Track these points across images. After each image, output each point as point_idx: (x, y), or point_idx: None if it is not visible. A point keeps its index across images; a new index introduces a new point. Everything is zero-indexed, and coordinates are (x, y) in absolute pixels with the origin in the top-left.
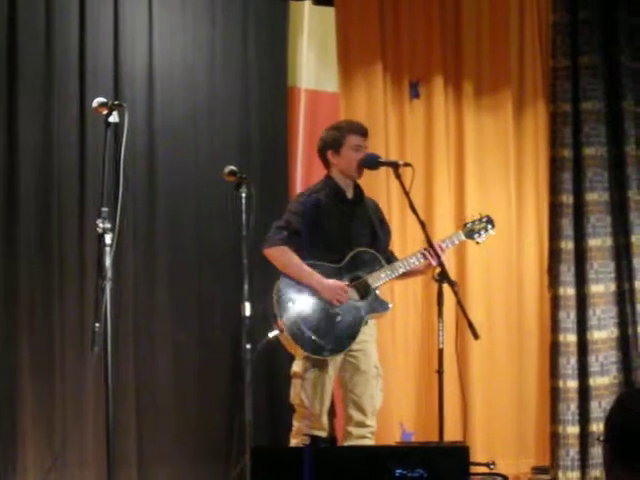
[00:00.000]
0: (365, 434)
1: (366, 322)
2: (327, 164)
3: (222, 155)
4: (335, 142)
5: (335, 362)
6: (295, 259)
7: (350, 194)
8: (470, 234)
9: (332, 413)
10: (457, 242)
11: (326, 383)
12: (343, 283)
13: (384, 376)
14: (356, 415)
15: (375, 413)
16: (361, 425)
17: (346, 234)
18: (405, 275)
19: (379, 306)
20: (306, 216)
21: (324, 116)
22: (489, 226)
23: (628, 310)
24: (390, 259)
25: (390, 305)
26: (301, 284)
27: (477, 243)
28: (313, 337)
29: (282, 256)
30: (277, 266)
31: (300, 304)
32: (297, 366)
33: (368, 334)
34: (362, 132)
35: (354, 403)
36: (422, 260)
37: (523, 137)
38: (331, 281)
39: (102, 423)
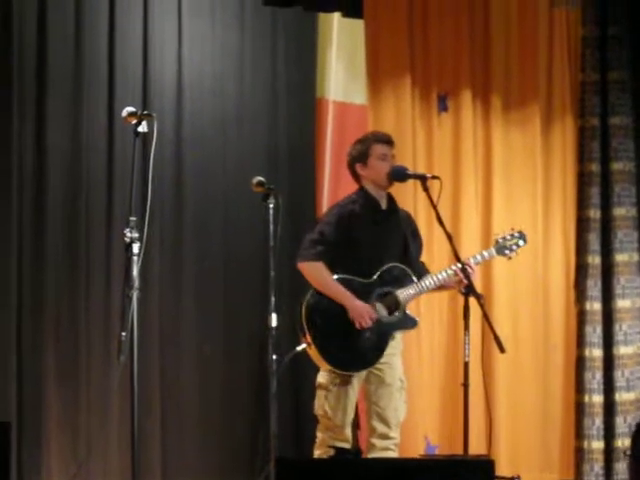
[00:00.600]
0: (389, 446)
1: (393, 338)
2: (358, 178)
3: (250, 165)
4: (362, 154)
5: (360, 374)
6: (328, 276)
7: (384, 204)
8: (501, 250)
9: (356, 425)
10: (488, 258)
11: (350, 395)
12: (372, 304)
13: (409, 389)
14: (380, 427)
15: (399, 425)
16: (385, 437)
17: (378, 244)
18: (434, 289)
19: (407, 322)
20: (340, 227)
21: (352, 128)
22: (521, 242)
23: None
24: (421, 270)
25: (418, 320)
26: (330, 299)
27: (509, 259)
28: (340, 352)
29: (316, 272)
30: (310, 281)
31: (329, 319)
32: (322, 377)
33: (394, 347)
34: (387, 141)
35: (378, 415)
36: (452, 275)
37: (551, 151)
38: (360, 304)
39: (127, 432)
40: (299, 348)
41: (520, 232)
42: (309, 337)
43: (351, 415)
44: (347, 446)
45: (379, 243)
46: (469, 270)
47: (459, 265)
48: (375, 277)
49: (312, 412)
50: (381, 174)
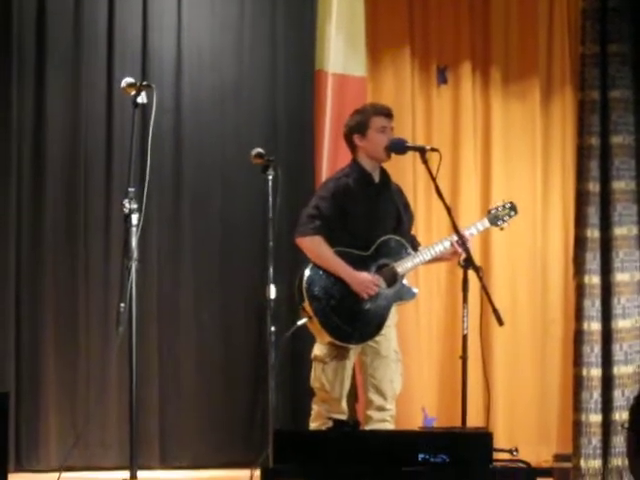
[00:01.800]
0: (385, 418)
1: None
2: (354, 149)
3: (249, 137)
4: (360, 125)
5: (356, 347)
6: (327, 250)
7: (377, 178)
8: (494, 220)
9: (354, 397)
10: (482, 229)
11: (347, 367)
12: (373, 276)
13: (407, 361)
14: (376, 399)
15: (395, 397)
16: (381, 409)
17: (373, 217)
18: (431, 261)
19: (406, 293)
20: (336, 201)
21: (351, 100)
22: (512, 212)
23: None
24: (413, 243)
25: (416, 291)
26: (330, 272)
27: (501, 229)
28: (342, 325)
29: (315, 246)
30: (309, 255)
31: (330, 292)
32: (318, 350)
33: (389, 319)
34: (386, 113)
35: (374, 387)
36: (449, 247)
37: (550, 124)
38: (361, 274)
39: (125, 403)
40: (300, 322)
41: (511, 203)
42: (311, 311)
43: (347, 388)
44: (343, 418)
45: (374, 216)
46: (466, 240)
47: (455, 237)
48: (372, 250)
49: (308, 384)
50: (379, 147)
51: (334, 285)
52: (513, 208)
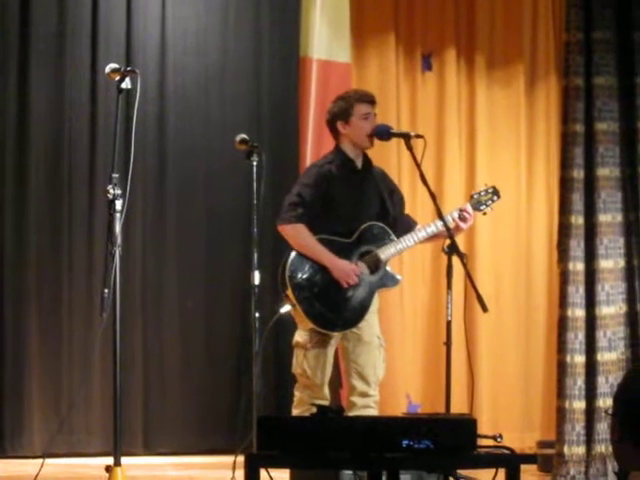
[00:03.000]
0: (369, 404)
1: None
2: (337, 135)
3: (233, 123)
4: (344, 112)
5: (338, 333)
6: (309, 238)
7: (359, 164)
8: (477, 205)
9: (338, 384)
10: (471, 212)
11: (329, 354)
12: (355, 264)
13: (392, 347)
14: (359, 385)
15: (378, 383)
16: (365, 395)
17: (356, 204)
18: (423, 241)
19: (389, 280)
20: (318, 188)
21: (335, 86)
22: (495, 197)
23: (637, 286)
24: (407, 224)
25: (400, 278)
26: (313, 260)
27: (483, 214)
28: (325, 312)
29: (297, 234)
30: (291, 243)
31: (312, 279)
32: (300, 336)
33: (372, 305)
34: (370, 100)
35: (357, 373)
36: (434, 232)
37: (534, 111)
38: (343, 262)
39: (109, 389)
40: (283, 310)
41: (493, 187)
42: (293, 298)
43: (329, 374)
44: (325, 404)
45: (357, 203)
46: (459, 221)
47: (440, 223)
48: (355, 237)
49: (290, 371)
50: (362, 133)
51: (317, 272)
52: (496, 193)
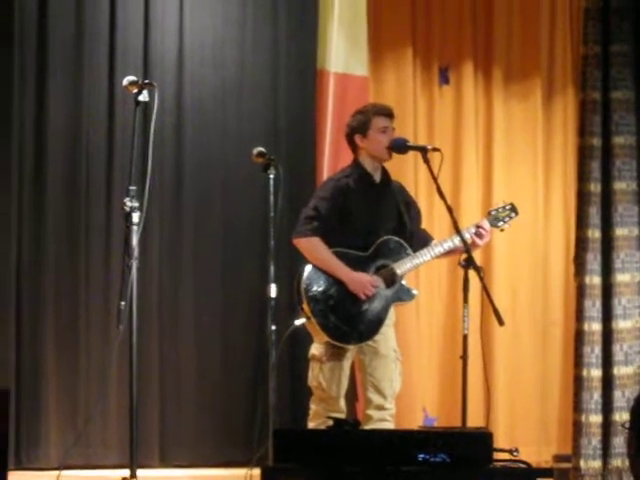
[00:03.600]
0: (385, 417)
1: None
2: (355, 149)
3: (250, 136)
4: (362, 125)
5: (354, 346)
6: (325, 251)
7: (378, 178)
8: (494, 222)
9: (354, 397)
10: (488, 228)
11: (344, 367)
12: (371, 276)
13: (408, 361)
14: (376, 398)
15: (394, 396)
16: (381, 408)
17: (373, 218)
18: (440, 256)
19: (405, 294)
20: (335, 202)
21: (353, 100)
22: (513, 214)
23: None
24: (424, 239)
25: (416, 292)
26: (329, 273)
27: (501, 230)
28: (340, 326)
29: (312, 247)
30: (306, 256)
31: (328, 292)
32: (315, 349)
33: (388, 318)
34: (388, 113)
35: (374, 386)
36: (452, 246)
37: (552, 125)
38: (359, 275)
39: (125, 402)
40: (298, 322)
41: (511, 204)
42: (308, 310)
43: (345, 386)
44: (342, 417)
45: (374, 216)
46: (475, 237)
47: (457, 239)
48: (371, 250)
49: (306, 384)
50: (380, 147)
51: (332, 286)
52: (514, 209)
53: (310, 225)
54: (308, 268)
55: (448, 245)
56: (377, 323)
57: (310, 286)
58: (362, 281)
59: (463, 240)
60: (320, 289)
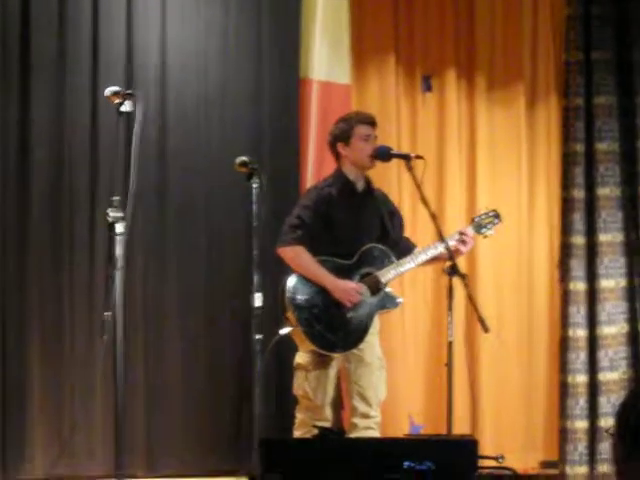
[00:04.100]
0: (370, 425)
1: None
2: (338, 157)
3: (233, 145)
4: (344, 134)
5: (339, 355)
6: (309, 259)
7: (360, 187)
8: (478, 228)
9: (340, 405)
10: (471, 234)
11: (330, 375)
12: (356, 284)
13: (393, 368)
14: (361, 407)
15: (380, 404)
16: (366, 416)
17: (356, 227)
18: (424, 264)
19: (389, 302)
20: (318, 211)
21: (336, 108)
22: (496, 220)
23: (638, 306)
24: (407, 247)
25: (400, 300)
26: (313, 282)
27: (484, 237)
28: (325, 334)
29: (296, 256)
30: (291, 265)
31: (312, 301)
32: (300, 358)
33: (372, 326)
34: (370, 122)
35: (359, 395)
36: (435, 253)
37: (535, 131)
38: (344, 282)
39: (111, 412)
40: (283, 332)
41: (494, 211)
42: (293, 319)
43: (331, 395)
44: (327, 426)
45: (357, 225)
46: (459, 244)
47: (441, 246)
48: (355, 258)
49: (292, 392)
50: (363, 155)
51: (317, 294)
52: (497, 216)
53: (294, 234)
54: (293, 277)
55: (432, 252)
56: (362, 331)
57: (295, 295)
58: (347, 288)
59: (447, 247)
60: (305, 297)
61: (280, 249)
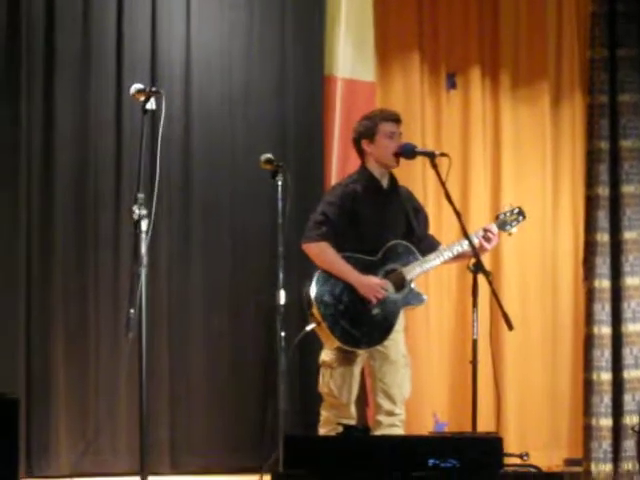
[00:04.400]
0: (395, 422)
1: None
2: (362, 155)
3: (258, 143)
4: (369, 131)
5: (364, 352)
6: (334, 255)
7: (385, 184)
8: (502, 226)
9: (364, 402)
10: (495, 232)
11: (355, 373)
12: (381, 280)
13: (418, 366)
14: (385, 404)
15: (404, 402)
16: (391, 414)
17: (381, 224)
18: (449, 261)
19: (414, 299)
20: (343, 207)
21: (360, 105)
22: (520, 217)
23: None
24: (431, 244)
25: (425, 297)
26: (338, 278)
27: (509, 234)
28: (350, 330)
29: (321, 252)
30: (315, 261)
31: (337, 297)
32: (326, 355)
33: (398, 324)
34: (395, 119)
35: (383, 392)
36: (460, 251)
37: (560, 129)
38: (368, 278)
39: (135, 410)
40: (309, 328)
41: (519, 208)
42: (318, 315)
43: (355, 392)
44: (352, 423)
45: (382, 222)
46: (477, 243)
47: (465, 243)
48: (380, 254)
49: (318, 390)
50: (387, 152)
51: (342, 290)
52: (521, 213)
53: (319, 230)
54: (318, 273)
55: (457, 249)
56: (387, 327)
57: (320, 291)
58: (372, 284)
59: (471, 244)
60: (330, 294)
61: (305, 245)
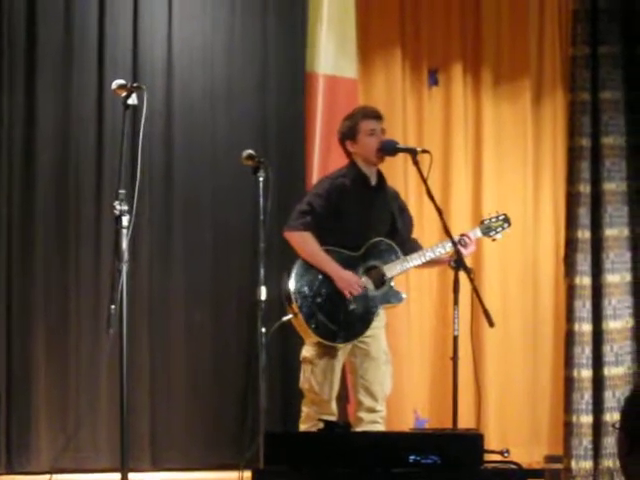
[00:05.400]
0: (376, 419)
1: (378, 313)
2: (349, 155)
3: (239, 139)
4: (350, 131)
5: (345, 348)
6: (315, 245)
7: (374, 181)
8: (487, 231)
9: (345, 399)
10: (473, 238)
11: (336, 369)
12: (359, 276)
13: (399, 362)
14: (367, 401)
15: (385, 399)
16: (372, 411)
17: (366, 220)
18: (426, 264)
19: (393, 297)
20: (329, 200)
21: (342, 102)
22: (505, 224)
23: None
24: (414, 248)
25: (404, 296)
26: (318, 270)
27: (493, 240)
28: (327, 323)
29: (303, 241)
30: (296, 250)
31: (316, 290)
32: (307, 351)
33: (378, 320)
34: (375, 116)
35: (365, 389)
36: (442, 253)
37: (541, 125)
38: (348, 273)
39: (116, 405)
40: (285, 318)
41: (504, 215)
42: (295, 307)
43: (336, 389)
44: (333, 419)
45: (367, 218)
46: (460, 247)
47: (448, 245)
48: (362, 251)
49: (298, 386)
50: (370, 150)
51: (321, 284)
52: (506, 220)
53: (303, 219)
54: (297, 264)
55: (439, 250)
56: (364, 323)
57: (298, 282)
58: (349, 279)
59: (453, 242)
60: (308, 286)
61: (287, 233)
